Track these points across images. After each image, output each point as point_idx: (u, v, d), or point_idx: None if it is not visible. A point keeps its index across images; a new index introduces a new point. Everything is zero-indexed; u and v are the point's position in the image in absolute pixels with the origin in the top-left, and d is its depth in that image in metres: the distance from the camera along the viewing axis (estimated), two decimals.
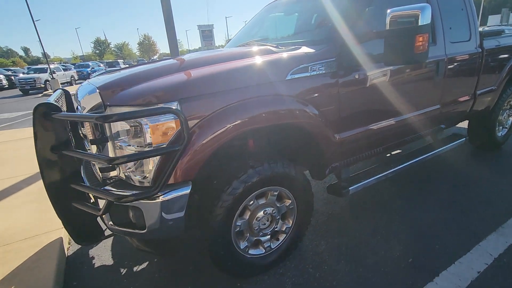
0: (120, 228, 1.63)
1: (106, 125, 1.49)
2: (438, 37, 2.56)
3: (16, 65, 45.60)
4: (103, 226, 1.82)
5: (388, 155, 3.43)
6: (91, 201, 1.80)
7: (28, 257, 2.11)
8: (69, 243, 2.47)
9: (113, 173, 1.65)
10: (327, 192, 2.32)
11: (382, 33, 1.87)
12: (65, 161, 1.59)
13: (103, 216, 1.60)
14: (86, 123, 1.60)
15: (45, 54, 23.03)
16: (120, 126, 1.49)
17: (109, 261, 2.26)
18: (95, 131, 1.61)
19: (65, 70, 23.44)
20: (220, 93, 1.57)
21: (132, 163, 1.49)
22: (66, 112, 1.84)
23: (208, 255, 1.78)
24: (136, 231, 1.59)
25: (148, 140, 1.43)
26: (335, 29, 2.03)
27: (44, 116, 1.50)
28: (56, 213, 1.65)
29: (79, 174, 1.66)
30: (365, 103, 2.15)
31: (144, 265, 2.17)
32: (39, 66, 23.98)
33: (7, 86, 22.03)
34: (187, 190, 1.54)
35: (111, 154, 1.57)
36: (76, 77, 23.75)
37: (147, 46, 71.99)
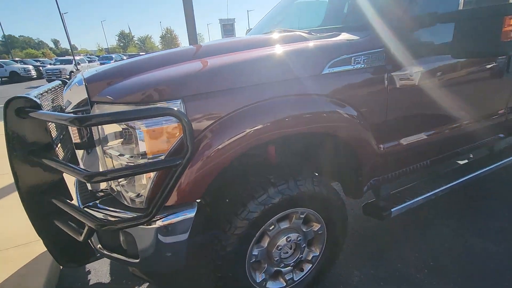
0: (110, 254, 1.32)
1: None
2: None
3: (45, 56, 47.49)
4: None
5: (437, 168, 2.94)
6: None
7: (16, 270, 1.86)
8: None
9: (103, 185, 1.34)
10: (363, 212, 1.92)
11: (451, 15, 1.42)
12: (46, 169, 1.30)
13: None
14: None
15: (71, 46, 23.61)
16: (109, 128, 1.17)
17: (106, 277, 1.98)
18: (82, 132, 1.30)
19: (89, 62, 23.98)
20: (237, 90, 1.21)
21: None
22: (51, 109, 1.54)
23: None
24: (129, 259, 1.27)
25: (142, 150, 1.09)
26: (384, 10, 1.60)
27: (17, 113, 1.20)
28: (35, 229, 1.36)
29: (62, 185, 1.36)
30: (419, 105, 1.72)
31: (145, 286, 1.87)
32: (66, 57, 24.64)
33: (35, 76, 22.76)
34: (191, 213, 1.20)
35: (100, 163, 1.26)
36: None
37: (169, 39, 72.86)
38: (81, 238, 1.16)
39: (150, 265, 1.26)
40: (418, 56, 1.59)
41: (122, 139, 1.15)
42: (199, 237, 1.40)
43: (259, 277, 1.51)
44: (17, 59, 31.78)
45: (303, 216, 1.53)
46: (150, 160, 1.09)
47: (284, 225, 1.50)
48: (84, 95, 1.21)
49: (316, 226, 1.59)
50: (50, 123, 1.37)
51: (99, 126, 1.14)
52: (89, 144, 1.25)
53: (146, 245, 1.19)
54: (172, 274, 1.68)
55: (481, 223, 2.29)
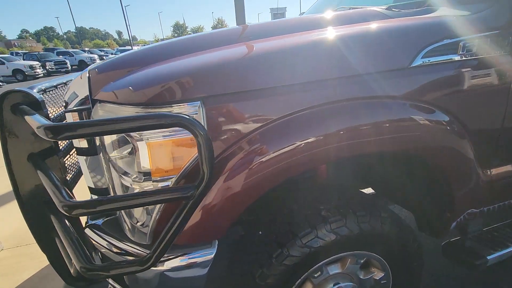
0: (113, 284, 1.08)
1: None
2: None
3: (109, 46, 51.86)
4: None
5: None
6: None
7: (39, 270, 1.78)
8: None
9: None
10: (443, 253, 1.42)
11: None
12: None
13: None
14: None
15: (130, 37, 25.22)
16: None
17: None
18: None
19: None
20: (282, 89, 0.84)
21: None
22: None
23: None
24: None
25: (145, 168, 0.80)
26: None
27: (13, 111, 1.00)
28: (38, 245, 1.18)
29: (70, 191, 1.15)
30: None
31: None
32: (126, 47, 26.44)
33: None
34: (208, 256, 0.88)
35: (106, 175, 1.00)
36: None
37: None
38: (72, 271, 0.92)
39: None
40: None
41: (126, 150, 0.87)
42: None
43: None
44: (86, 49, 35.04)
45: (361, 261, 1.13)
46: (151, 187, 0.79)
47: (334, 269, 1.12)
48: (86, 91, 0.96)
49: (378, 274, 1.18)
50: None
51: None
52: (88, 151, 1.00)
53: (149, 285, 0.91)
54: None
55: None
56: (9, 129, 1.02)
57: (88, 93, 0.94)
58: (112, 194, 0.91)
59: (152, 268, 0.86)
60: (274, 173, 0.83)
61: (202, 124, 0.77)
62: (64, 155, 1.19)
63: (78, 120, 0.96)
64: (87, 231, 1.04)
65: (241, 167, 0.81)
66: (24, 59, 21.70)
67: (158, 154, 0.78)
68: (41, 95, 1.09)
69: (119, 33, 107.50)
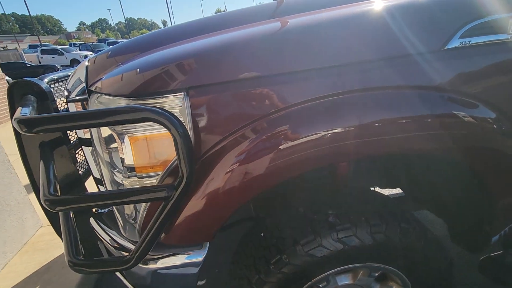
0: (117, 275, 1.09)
1: None
2: None
3: None
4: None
5: None
6: None
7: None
8: None
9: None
10: (479, 269, 1.22)
11: None
12: (58, 164, 1.11)
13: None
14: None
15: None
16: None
17: None
18: None
19: None
20: (287, 77, 0.73)
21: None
22: None
23: None
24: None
25: (128, 162, 0.75)
26: None
27: (21, 100, 1.02)
28: (54, 230, 1.24)
29: (79, 183, 1.18)
30: None
31: None
32: None
33: None
34: (197, 258, 0.83)
35: (98, 169, 0.99)
36: None
37: None
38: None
39: None
40: None
41: (113, 144, 0.83)
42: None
43: None
44: None
45: (376, 274, 0.99)
46: (137, 184, 0.74)
47: (344, 280, 1.00)
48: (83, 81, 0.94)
49: None
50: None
51: None
52: (85, 141, 0.99)
53: (138, 281, 0.90)
54: None
55: None
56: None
57: (81, 87, 0.92)
58: (105, 188, 0.89)
59: (143, 266, 0.84)
60: (268, 173, 0.73)
61: (186, 117, 0.70)
62: (76, 147, 1.21)
63: (53, 113, 0.95)
64: (92, 221, 1.05)
65: (230, 166, 0.72)
66: (80, 50, 23.68)
67: (142, 149, 0.73)
68: (51, 85, 1.11)
69: (164, 23, 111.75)
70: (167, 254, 0.82)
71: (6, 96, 1.03)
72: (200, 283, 0.93)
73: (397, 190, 1.76)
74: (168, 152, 0.74)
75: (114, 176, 0.82)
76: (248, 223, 1.36)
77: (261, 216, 1.33)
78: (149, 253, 0.80)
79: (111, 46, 1.14)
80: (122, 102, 0.76)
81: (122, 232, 0.89)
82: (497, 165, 0.87)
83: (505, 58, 0.76)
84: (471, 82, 0.78)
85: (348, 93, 0.73)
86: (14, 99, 1.03)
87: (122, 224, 0.87)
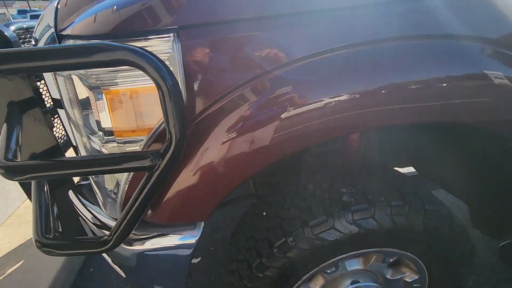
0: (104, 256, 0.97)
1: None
2: None
3: None
4: None
5: None
6: None
7: None
8: None
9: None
10: (500, 257, 1.13)
11: None
12: (34, 129, 0.96)
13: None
14: None
15: None
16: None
17: None
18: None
19: None
20: (300, 17, 0.57)
21: None
22: None
23: None
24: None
25: (105, 125, 0.61)
26: None
27: None
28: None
29: (59, 152, 1.03)
30: None
31: None
32: None
33: None
34: (190, 240, 0.71)
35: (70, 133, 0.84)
36: None
37: None
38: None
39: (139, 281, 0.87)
40: None
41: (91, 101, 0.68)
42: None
43: None
44: None
45: (391, 260, 0.89)
46: (116, 151, 0.60)
47: (355, 265, 0.90)
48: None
49: (411, 276, 0.94)
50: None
51: (56, 79, 0.69)
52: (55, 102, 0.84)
53: (124, 266, 0.78)
54: None
55: None
56: None
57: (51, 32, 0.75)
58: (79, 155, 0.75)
59: (127, 247, 0.72)
60: (283, 139, 0.59)
61: (177, 66, 0.55)
62: (53, 112, 1.05)
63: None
64: (70, 193, 0.92)
65: (233, 129, 0.58)
66: None
67: (120, 107, 0.58)
68: (20, 35, 0.94)
69: None
70: (155, 234, 0.70)
71: None
72: (194, 261, 0.83)
73: (408, 169, 1.64)
74: (154, 111, 0.59)
75: (90, 143, 0.68)
76: (249, 200, 1.25)
77: (262, 193, 1.22)
78: (134, 232, 0.68)
79: None
80: None
81: (102, 209, 0.76)
82: None
83: None
84: None
85: (373, 44, 0.58)
86: None
87: (101, 199, 0.74)
